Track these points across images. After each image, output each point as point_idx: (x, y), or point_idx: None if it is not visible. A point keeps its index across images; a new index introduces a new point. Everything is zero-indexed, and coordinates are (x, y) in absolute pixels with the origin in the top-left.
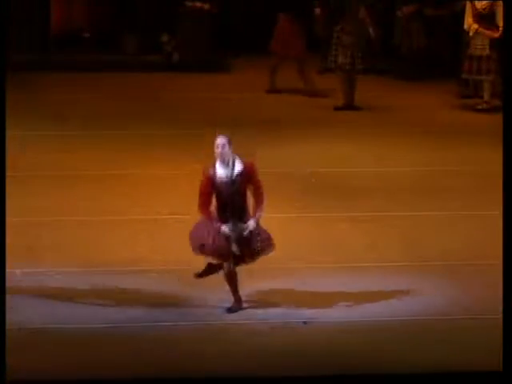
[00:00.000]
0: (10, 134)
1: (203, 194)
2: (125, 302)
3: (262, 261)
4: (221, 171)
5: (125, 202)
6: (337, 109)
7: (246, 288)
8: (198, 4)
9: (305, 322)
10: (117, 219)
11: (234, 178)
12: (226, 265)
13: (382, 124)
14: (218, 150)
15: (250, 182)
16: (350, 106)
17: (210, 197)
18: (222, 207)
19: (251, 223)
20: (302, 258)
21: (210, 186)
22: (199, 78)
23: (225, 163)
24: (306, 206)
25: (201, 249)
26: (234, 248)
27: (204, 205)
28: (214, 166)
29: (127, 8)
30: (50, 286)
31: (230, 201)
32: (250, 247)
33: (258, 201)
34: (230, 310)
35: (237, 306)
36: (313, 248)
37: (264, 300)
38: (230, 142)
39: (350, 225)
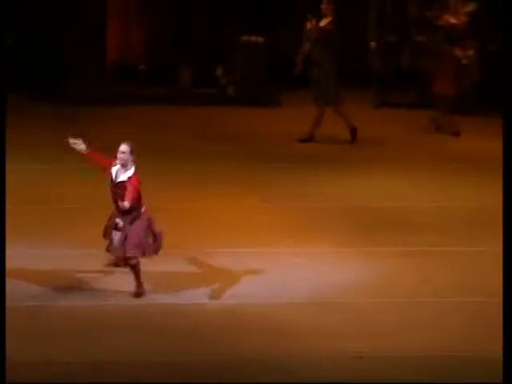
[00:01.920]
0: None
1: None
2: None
3: (313, 295)
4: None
5: (174, 236)
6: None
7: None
8: (254, 38)
9: (361, 357)
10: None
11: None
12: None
13: (435, 159)
14: (119, 156)
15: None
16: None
17: None
18: None
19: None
20: (355, 293)
21: None
22: (251, 112)
23: (124, 168)
24: (359, 241)
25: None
26: None
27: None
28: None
29: (183, 40)
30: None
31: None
32: None
33: None
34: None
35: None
36: (366, 283)
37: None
38: (131, 151)
39: (403, 259)
